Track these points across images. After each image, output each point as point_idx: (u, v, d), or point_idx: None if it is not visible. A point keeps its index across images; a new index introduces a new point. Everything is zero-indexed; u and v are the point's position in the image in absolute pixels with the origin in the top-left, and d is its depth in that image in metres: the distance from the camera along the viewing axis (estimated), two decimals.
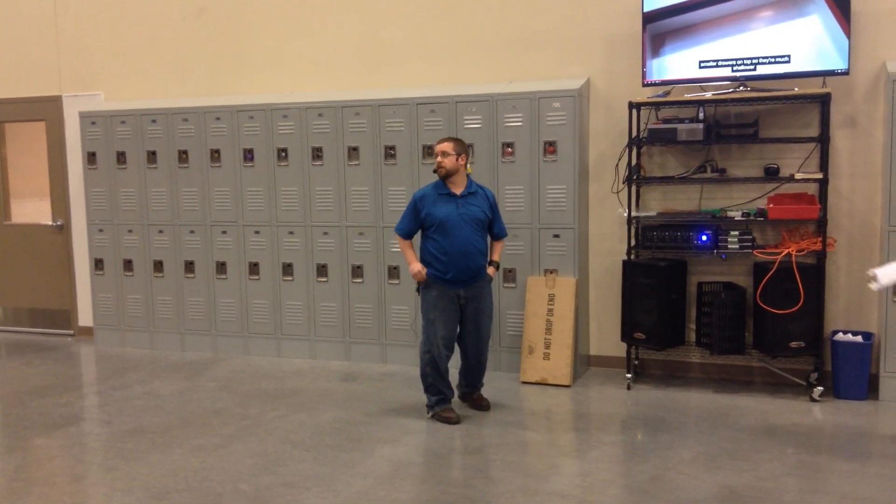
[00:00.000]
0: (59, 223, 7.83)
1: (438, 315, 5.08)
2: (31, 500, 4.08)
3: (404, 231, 5.18)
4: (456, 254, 5.01)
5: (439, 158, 5.05)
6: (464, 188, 5.11)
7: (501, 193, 5.99)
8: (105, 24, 7.48)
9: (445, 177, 5.07)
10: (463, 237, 5.02)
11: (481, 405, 5.34)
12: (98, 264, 7.37)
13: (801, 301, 5.20)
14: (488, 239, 5.26)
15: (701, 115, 5.53)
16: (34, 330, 8.08)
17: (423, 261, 5.12)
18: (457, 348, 5.28)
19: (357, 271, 6.53)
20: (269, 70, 7.02)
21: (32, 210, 8.13)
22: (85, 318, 7.76)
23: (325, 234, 6.59)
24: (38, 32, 7.69)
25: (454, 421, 5.07)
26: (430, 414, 5.17)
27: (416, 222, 5.13)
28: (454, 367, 5.37)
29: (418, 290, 5.20)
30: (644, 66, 5.72)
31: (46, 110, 7.74)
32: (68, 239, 7.80)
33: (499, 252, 5.33)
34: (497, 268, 5.30)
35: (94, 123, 7.24)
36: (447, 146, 5.06)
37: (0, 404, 5.79)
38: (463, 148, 5.11)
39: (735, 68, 5.51)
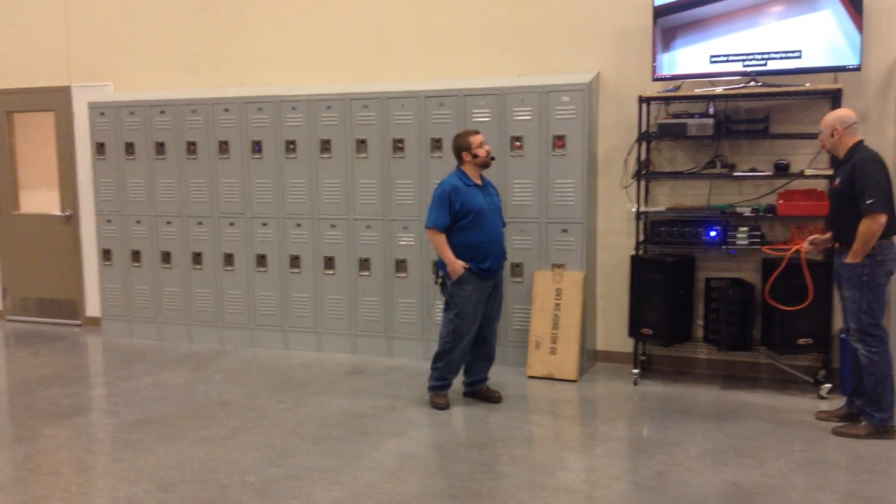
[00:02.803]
0: (67, 213, 7.84)
1: (470, 308, 5.13)
2: (38, 489, 4.09)
3: (442, 224, 5.10)
4: (492, 242, 5.14)
5: (488, 147, 5.20)
6: (480, 180, 5.21)
7: (510, 187, 5.98)
8: (115, 14, 7.49)
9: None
10: (495, 225, 5.19)
11: (492, 397, 5.36)
12: (106, 255, 7.39)
13: (810, 298, 5.17)
14: None
15: (711, 111, 5.51)
16: (42, 320, 8.11)
17: (455, 255, 5.10)
18: None
19: (364, 264, 6.52)
20: (278, 62, 7.01)
21: (41, 200, 8.15)
22: (92, 308, 7.79)
23: (333, 226, 6.59)
24: (48, 23, 7.70)
25: (442, 406, 5.22)
26: (429, 395, 5.33)
27: (450, 214, 5.10)
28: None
29: (443, 283, 5.20)
30: (654, 60, 5.69)
31: (56, 100, 7.76)
32: (76, 229, 7.82)
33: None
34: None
35: (102, 114, 7.25)
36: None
37: (8, 394, 5.82)
38: None
39: (746, 63, 5.48)
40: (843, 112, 4.71)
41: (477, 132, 5.23)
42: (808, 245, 4.96)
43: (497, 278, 5.28)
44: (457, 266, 5.07)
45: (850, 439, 4.59)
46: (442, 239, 5.11)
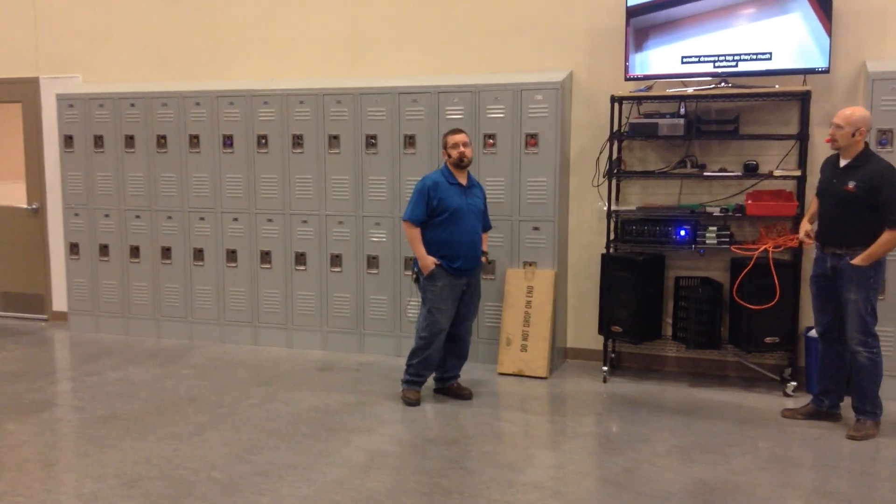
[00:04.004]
0: (34, 206, 7.73)
1: (443, 304, 5.14)
2: (1, 485, 4.03)
3: (417, 218, 5.12)
4: (465, 242, 5.11)
5: (462, 149, 5.12)
6: (467, 180, 5.21)
7: (482, 185, 5.98)
8: (84, 5, 7.38)
9: (468, 166, 5.18)
10: (470, 226, 5.15)
11: (462, 394, 5.37)
12: (73, 249, 7.29)
13: (777, 297, 5.24)
14: None
15: (682, 111, 5.55)
16: (7, 314, 7.98)
17: (428, 251, 5.12)
18: None
19: (335, 260, 6.50)
20: (251, 56, 6.96)
21: (7, 193, 8.02)
22: (59, 303, 7.68)
23: (304, 222, 6.55)
24: (15, 13, 7.58)
25: (413, 402, 5.23)
26: (401, 389, 5.33)
27: (427, 210, 5.11)
28: None
29: (417, 279, 5.22)
30: (627, 60, 5.72)
31: (23, 92, 7.64)
32: (44, 223, 7.71)
33: (486, 243, 5.46)
34: (486, 259, 5.45)
35: (71, 106, 7.15)
36: (466, 137, 5.18)
37: None
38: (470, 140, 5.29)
39: (717, 64, 5.53)
40: (867, 113, 4.61)
41: (457, 132, 5.19)
42: (804, 235, 4.90)
43: (472, 277, 5.27)
44: (427, 262, 5.09)
45: (861, 441, 4.59)
46: (415, 233, 5.12)
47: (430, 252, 5.11)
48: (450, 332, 5.30)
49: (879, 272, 4.62)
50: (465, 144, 5.13)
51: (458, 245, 5.10)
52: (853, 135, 4.56)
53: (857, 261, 4.54)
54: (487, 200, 5.47)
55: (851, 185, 4.56)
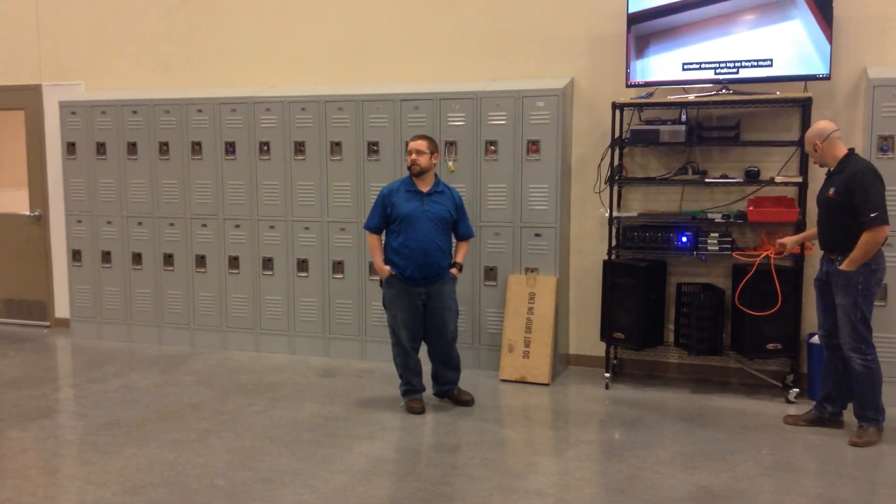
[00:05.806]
0: (36, 213, 7.75)
1: (398, 311, 5.16)
2: (4, 493, 4.03)
3: (371, 226, 5.24)
4: (416, 249, 5.07)
5: (413, 156, 5.11)
6: (431, 186, 5.18)
7: (484, 192, 6.00)
8: (87, 13, 7.41)
9: (419, 174, 5.12)
10: (424, 234, 5.08)
11: (464, 401, 5.36)
12: (76, 256, 7.30)
13: (779, 303, 5.24)
14: (454, 240, 5.36)
15: (683, 117, 5.56)
16: (9, 321, 7.99)
17: (385, 257, 5.18)
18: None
19: (338, 267, 6.51)
20: (253, 63, 6.98)
21: (10, 200, 8.03)
22: (62, 309, 7.69)
23: (306, 229, 6.56)
24: (18, 20, 7.60)
25: (417, 411, 5.19)
26: (402, 402, 5.32)
27: (383, 217, 5.19)
28: (427, 366, 5.38)
29: (381, 283, 5.27)
30: (628, 67, 5.74)
31: (26, 99, 7.66)
32: (46, 229, 7.72)
33: (463, 254, 5.34)
34: (460, 269, 5.30)
35: (73, 113, 7.17)
36: (421, 144, 5.12)
37: None
38: (435, 146, 5.23)
39: (718, 71, 5.54)
40: (819, 125, 4.74)
41: (415, 138, 5.18)
42: (778, 245, 5.06)
43: (433, 290, 5.14)
44: (381, 270, 5.16)
45: (864, 448, 4.58)
46: (373, 240, 5.24)
47: (386, 259, 5.16)
48: (430, 345, 5.31)
49: (868, 277, 4.58)
50: (417, 152, 5.08)
51: (407, 253, 5.07)
52: (814, 149, 4.72)
53: (843, 266, 4.58)
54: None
55: (831, 191, 4.65)
